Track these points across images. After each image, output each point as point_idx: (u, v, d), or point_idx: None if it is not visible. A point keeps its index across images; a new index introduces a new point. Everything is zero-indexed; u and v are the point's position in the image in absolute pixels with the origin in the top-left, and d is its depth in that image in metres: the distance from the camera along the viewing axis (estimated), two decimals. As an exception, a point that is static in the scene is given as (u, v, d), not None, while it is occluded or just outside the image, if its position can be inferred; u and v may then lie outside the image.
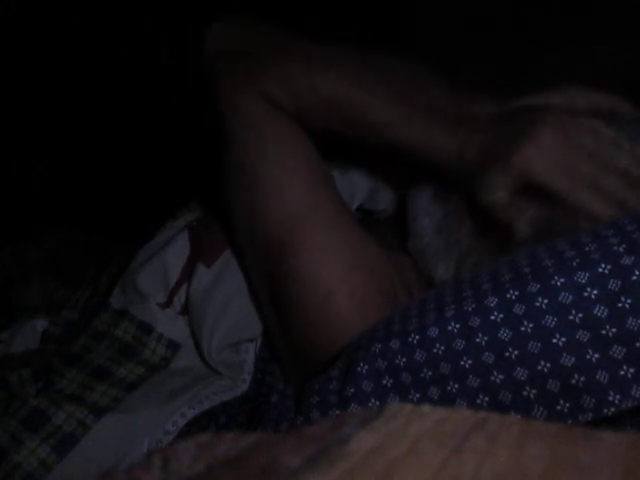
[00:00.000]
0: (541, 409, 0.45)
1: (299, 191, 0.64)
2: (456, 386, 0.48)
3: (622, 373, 0.43)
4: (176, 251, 0.78)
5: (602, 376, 0.44)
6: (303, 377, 0.62)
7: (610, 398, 0.43)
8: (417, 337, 0.50)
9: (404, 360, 0.50)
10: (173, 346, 0.75)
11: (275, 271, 0.64)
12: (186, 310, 0.76)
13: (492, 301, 0.49)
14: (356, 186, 0.82)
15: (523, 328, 0.46)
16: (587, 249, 0.48)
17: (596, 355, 0.44)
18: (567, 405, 0.45)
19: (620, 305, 0.44)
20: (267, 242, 0.64)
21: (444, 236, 0.69)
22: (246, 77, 0.66)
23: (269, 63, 0.67)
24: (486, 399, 0.47)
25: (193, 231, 0.80)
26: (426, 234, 0.71)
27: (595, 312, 0.45)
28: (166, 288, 0.77)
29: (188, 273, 0.77)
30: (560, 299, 0.46)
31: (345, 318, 0.60)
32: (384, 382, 0.50)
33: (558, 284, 0.47)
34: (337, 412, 0.51)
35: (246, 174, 0.66)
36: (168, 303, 0.77)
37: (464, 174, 0.58)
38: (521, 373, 0.46)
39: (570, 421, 0.44)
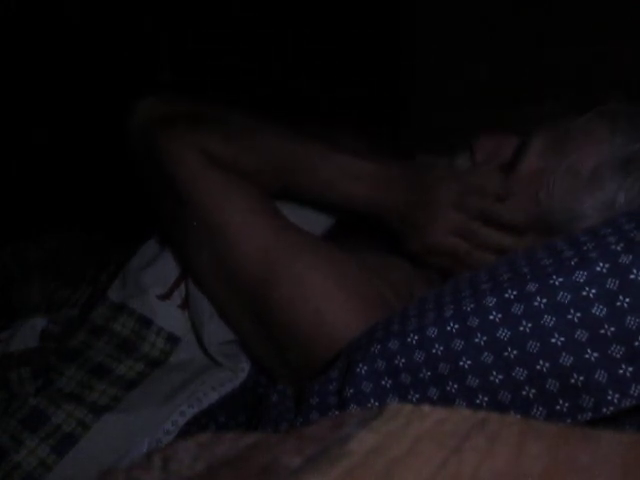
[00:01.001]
0: (540, 409, 0.45)
1: (262, 229, 0.67)
2: (455, 386, 0.48)
3: (621, 372, 0.43)
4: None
5: (601, 375, 0.44)
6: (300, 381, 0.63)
7: (609, 397, 0.43)
8: (416, 337, 0.50)
9: (403, 361, 0.50)
10: (173, 340, 0.75)
11: (261, 306, 0.66)
12: (187, 304, 0.76)
13: (491, 301, 0.49)
14: None
15: (522, 328, 0.46)
16: (585, 248, 0.48)
17: (595, 354, 0.44)
18: (566, 405, 0.45)
19: (619, 304, 0.44)
20: (246, 282, 0.66)
21: None
22: (189, 139, 0.69)
23: (209, 127, 0.71)
24: (485, 399, 0.47)
25: None
26: None
27: (594, 311, 0.45)
28: (167, 282, 0.77)
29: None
30: (559, 298, 0.46)
31: (340, 325, 0.61)
32: (383, 383, 0.50)
33: (557, 283, 0.47)
34: (337, 413, 0.51)
35: (207, 225, 0.68)
36: (168, 295, 0.76)
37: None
38: (520, 373, 0.46)
39: (569, 420, 0.44)
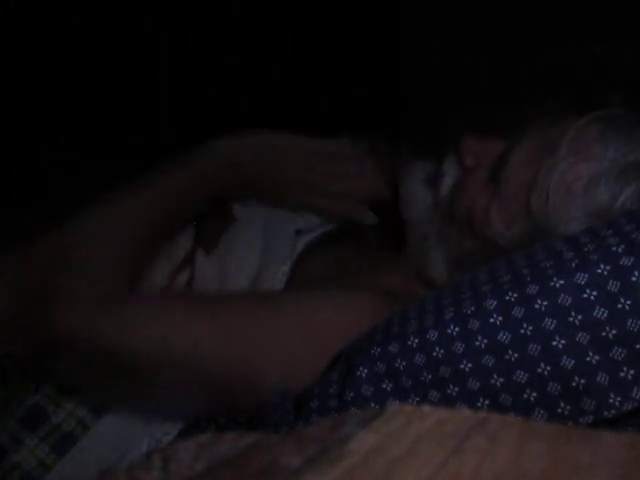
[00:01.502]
0: (542, 412, 0.45)
1: (203, 321, 0.62)
2: (456, 389, 0.48)
3: (622, 375, 0.43)
4: (180, 245, 0.78)
5: (602, 378, 0.44)
6: None
7: (611, 400, 0.43)
8: (416, 340, 0.50)
9: (404, 364, 0.50)
10: None
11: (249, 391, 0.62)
12: None
13: (491, 303, 0.49)
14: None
15: (523, 330, 0.46)
16: (586, 249, 0.48)
17: (596, 357, 0.44)
18: (568, 407, 0.45)
19: (620, 306, 0.44)
20: (227, 379, 0.62)
21: (435, 228, 0.71)
22: (66, 302, 0.62)
23: (72, 272, 0.63)
24: (486, 402, 0.47)
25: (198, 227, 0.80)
26: (420, 224, 0.72)
27: (595, 313, 0.45)
28: (166, 269, 0.76)
29: (189, 260, 0.76)
30: (559, 301, 0.46)
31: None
32: (384, 386, 0.50)
33: (557, 285, 0.46)
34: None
35: (160, 362, 0.61)
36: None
37: None
38: (521, 376, 0.46)
39: (571, 424, 0.44)
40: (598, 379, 0.44)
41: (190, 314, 0.63)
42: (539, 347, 0.45)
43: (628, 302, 0.44)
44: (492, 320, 0.48)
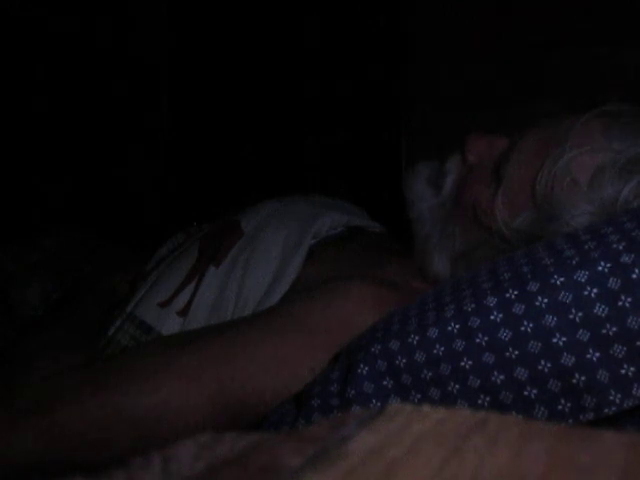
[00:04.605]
0: (542, 409, 0.45)
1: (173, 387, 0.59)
2: (457, 387, 0.48)
3: (623, 372, 0.43)
4: (185, 261, 0.78)
5: (603, 375, 0.44)
6: None
7: (611, 397, 0.43)
8: (417, 338, 0.50)
9: (404, 361, 0.50)
10: None
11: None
12: (186, 311, 0.75)
13: (492, 301, 0.49)
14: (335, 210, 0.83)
15: (523, 328, 0.46)
16: (586, 247, 0.48)
17: (597, 354, 0.44)
18: (568, 405, 0.45)
19: (620, 304, 0.44)
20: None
21: (440, 227, 0.71)
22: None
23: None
24: (487, 399, 0.47)
25: (203, 242, 0.80)
26: (425, 224, 0.73)
27: (595, 311, 0.45)
28: (170, 288, 0.76)
29: (194, 275, 0.76)
30: (560, 298, 0.46)
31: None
32: (385, 383, 0.50)
33: (558, 283, 0.47)
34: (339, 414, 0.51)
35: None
36: (168, 301, 0.76)
37: None
38: (522, 373, 0.46)
39: (571, 421, 0.44)
40: (598, 376, 0.44)
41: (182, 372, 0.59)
42: (539, 344, 0.46)
43: (629, 299, 0.44)
44: (492, 317, 0.48)
